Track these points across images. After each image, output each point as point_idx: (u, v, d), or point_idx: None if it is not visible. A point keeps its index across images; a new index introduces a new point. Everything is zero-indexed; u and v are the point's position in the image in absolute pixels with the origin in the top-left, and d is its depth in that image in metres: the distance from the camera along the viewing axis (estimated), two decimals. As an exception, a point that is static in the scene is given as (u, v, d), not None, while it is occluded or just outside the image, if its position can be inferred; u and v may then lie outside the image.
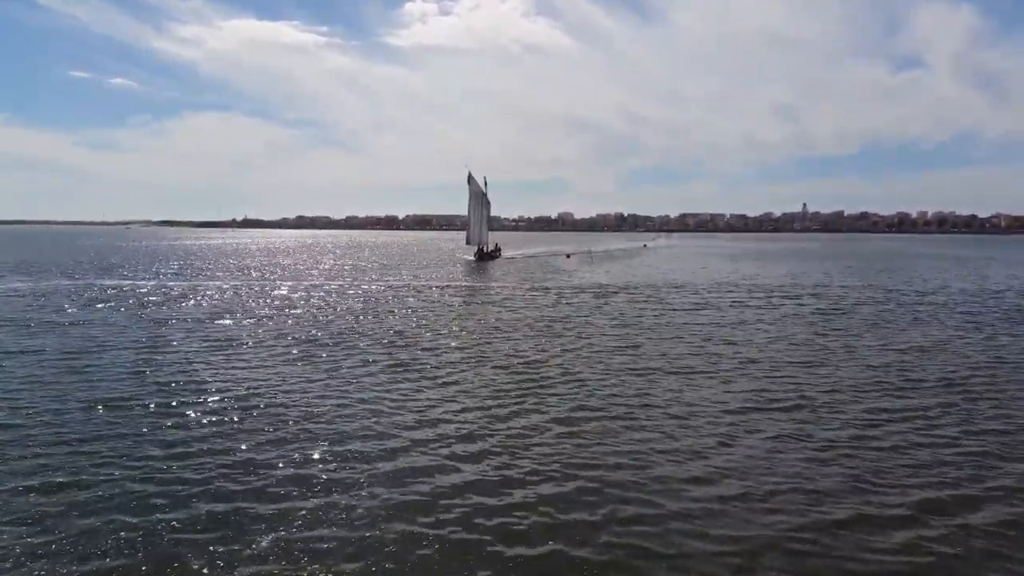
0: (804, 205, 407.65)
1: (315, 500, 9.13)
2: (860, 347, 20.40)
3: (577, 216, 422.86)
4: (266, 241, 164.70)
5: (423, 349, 19.77)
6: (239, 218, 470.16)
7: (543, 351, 19.52)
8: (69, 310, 27.66)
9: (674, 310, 29.34)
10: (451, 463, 10.51)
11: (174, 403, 13.64)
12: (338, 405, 13.61)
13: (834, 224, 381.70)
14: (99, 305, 29.55)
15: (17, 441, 11.22)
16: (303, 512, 8.76)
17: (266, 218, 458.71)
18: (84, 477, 9.76)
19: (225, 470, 10.11)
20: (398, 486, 9.61)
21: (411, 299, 33.53)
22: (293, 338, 21.34)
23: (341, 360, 18.03)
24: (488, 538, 8.16)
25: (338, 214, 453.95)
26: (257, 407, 13.41)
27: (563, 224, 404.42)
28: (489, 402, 13.96)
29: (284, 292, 36.86)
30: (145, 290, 36.89)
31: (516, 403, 13.88)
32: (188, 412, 13.00)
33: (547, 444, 11.38)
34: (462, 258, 73.75)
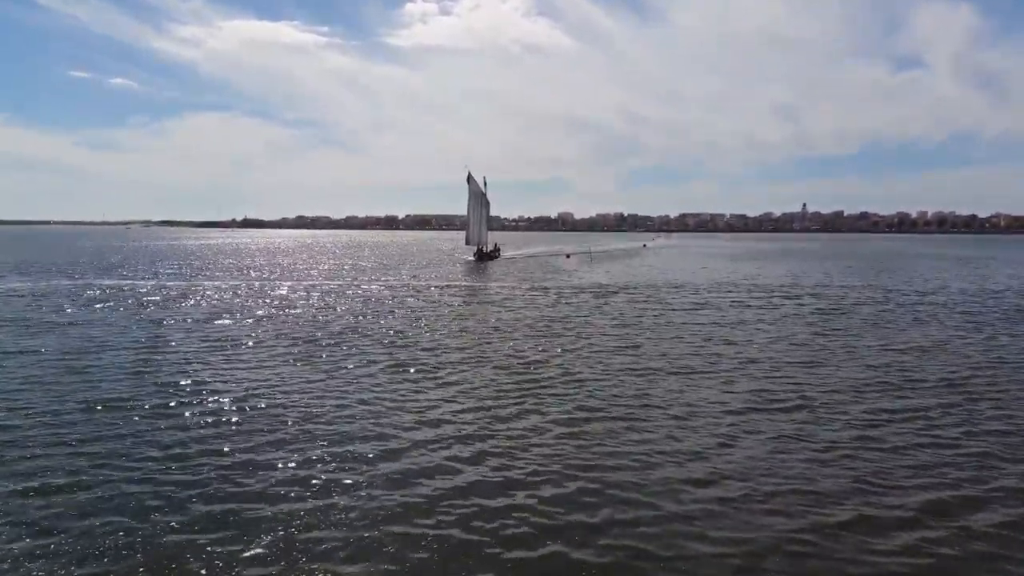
0: (804, 205, 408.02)
1: (314, 501, 9.10)
2: (860, 347, 20.38)
3: (577, 216, 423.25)
4: (266, 241, 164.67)
5: (422, 349, 19.74)
6: (239, 218, 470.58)
7: (543, 351, 19.49)
8: (68, 310, 27.63)
9: (674, 310, 29.32)
10: (451, 464, 10.48)
11: (173, 404, 13.62)
12: (337, 406, 13.59)
13: (834, 224, 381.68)
14: (98, 305, 29.52)
15: (16, 441, 11.20)
16: (302, 513, 8.73)
17: (266, 218, 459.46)
18: (83, 478, 9.74)
19: (224, 471, 10.09)
20: (397, 487, 9.58)
21: (410, 299, 33.50)
22: (292, 338, 21.32)
23: (340, 360, 18.01)
24: (488, 539, 8.14)
25: (338, 214, 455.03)
26: (256, 408, 13.38)
27: (563, 224, 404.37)
28: (489, 402, 13.94)
29: (283, 292, 36.84)
30: (144, 290, 36.86)
31: (516, 403, 13.85)
32: (187, 413, 12.97)
33: (547, 445, 11.35)
34: (461, 258, 73.76)
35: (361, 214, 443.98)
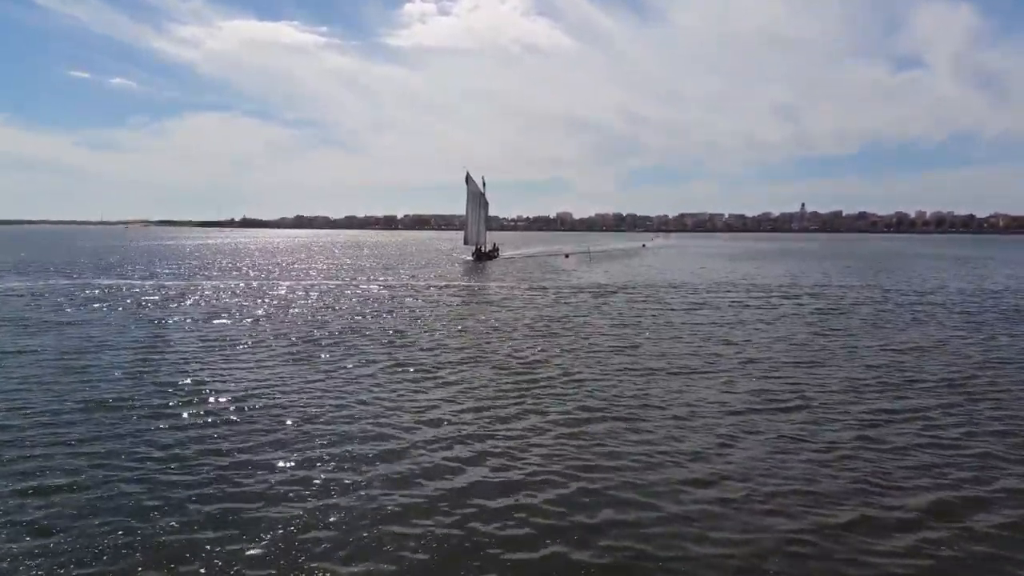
0: (803, 205, 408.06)
1: (314, 501, 9.08)
2: (859, 347, 20.38)
3: (576, 216, 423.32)
4: (265, 241, 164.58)
5: (421, 349, 19.72)
6: (238, 218, 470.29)
7: (542, 351, 19.48)
8: (67, 310, 27.59)
9: (673, 310, 29.31)
10: (450, 464, 10.46)
11: (172, 403, 13.58)
12: (336, 405, 13.56)
13: (833, 224, 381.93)
14: (97, 305, 29.47)
15: (15, 441, 11.16)
16: (302, 513, 8.71)
17: (266, 218, 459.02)
18: (82, 478, 9.71)
19: (223, 471, 10.06)
20: (397, 487, 9.56)
21: (409, 299, 33.48)
22: (291, 338, 21.29)
23: (340, 360, 17.99)
24: (487, 540, 8.12)
25: (337, 214, 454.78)
26: (256, 408, 13.36)
27: (562, 224, 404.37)
28: (488, 402, 13.92)
29: (282, 292, 36.80)
30: (143, 290, 36.81)
31: (515, 403, 13.84)
32: (186, 413, 12.94)
33: (546, 445, 11.33)
34: (460, 258, 73.73)
35: (360, 214, 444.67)
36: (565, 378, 16.06)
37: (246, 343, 20.38)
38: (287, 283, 42.68)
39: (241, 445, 11.17)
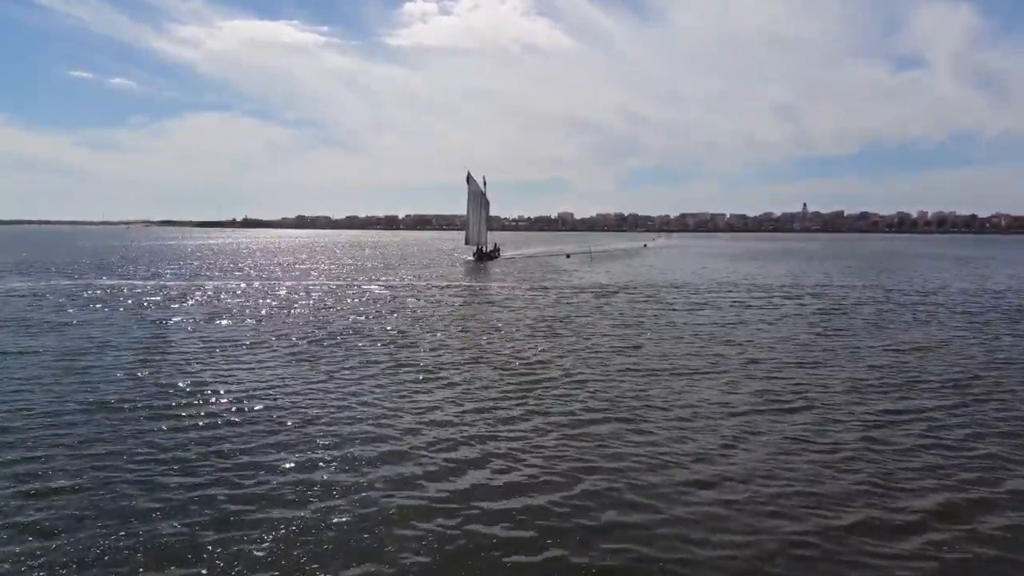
0: (804, 205, 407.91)
1: (315, 503, 9.04)
2: (862, 348, 20.32)
3: (577, 216, 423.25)
4: (266, 241, 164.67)
5: (423, 350, 19.69)
6: (239, 218, 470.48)
7: (543, 352, 19.44)
8: (68, 310, 27.58)
9: (675, 310, 29.27)
10: (452, 465, 10.42)
11: (174, 405, 13.55)
12: (338, 407, 13.53)
13: (834, 224, 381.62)
14: (98, 305, 29.47)
15: (16, 443, 11.13)
16: (303, 515, 8.67)
17: (266, 218, 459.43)
18: (83, 479, 9.68)
19: (225, 473, 10.03)
20: (398, 489, 9.52)
21: (411, 299, 33.45)
22: (293, 339, 21.26)
23: (341, 361, 17.96)
24: (489, 542, 8.07)
25: (338, 214, 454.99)
26: (257, 409, 13.32)
27: (563, 224, 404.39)
28: (489, 404, 13.88)
29: (284, 292, 36.79)
30: (144, 290, 36.80)
31: (517, 404, 13.80)
32: (188, 414, 12.91)
33: (548, 446, 11.29)
34: (461, 258, 73.71)
35: (361, 214, 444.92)
36: (567, 379, 16.02)
37: (248, 344, 20.35)
38: (289, 283, 42.67)
39: (243, 446, 11.14)
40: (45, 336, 21.21)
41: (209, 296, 34.20)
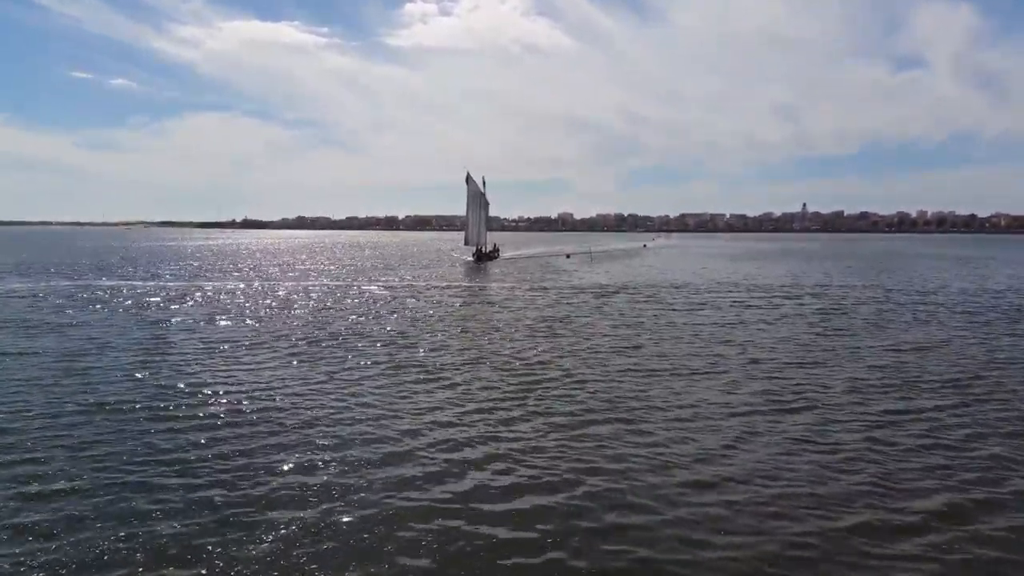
0: (804, 205, 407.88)
1: (315, 505, 9.02)
2: (863, 348, 20.30)
3: (577, 216, 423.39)
4: (266, 242, 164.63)
5: (423, 351, 19.67)
6: (239, 219, 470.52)
7: (543, 352, 19.41)
8: (68, 311, 27.55)
9: (675, 310, 29.24)
10: (452, 467, 10.40)
11: (174, 406, 13.53)
12: (338, 408, 13.51)
13: (834, 224, 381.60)
14: (98, 306, 29.44)
15: (15, 444, 11.11)
16: (304, 517, 8.65)
17: (266, 218, 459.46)
18: (83, 481, 9.65)
19: (225, 474, 10.01)
20: (399, 490, 9.50)
21: (411, 300, 33.43)
22: (293, 340, 21.24)
23: (341, 362, 17.93)
24: (488, 544, 8.05)
25: (338, 214, 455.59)
26: (257, 410, 13.30)
27: (563, 224, 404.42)
28: (490, 404, 13.86)
29: (284, 293, 36.77)
30: (144, 291, 36.78)
31: (517, 405, 13.77)
32: (188, 415, 12.88)
33: (548, 447, 11.27)
34: (461, 259, 73.67)
35: (361, 214, 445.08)
36: (567, 379, 15.99)
37: (247, 345, 20.32)
38: (289, 284, 42.64)
39: (242, 448, 11.12)
40: (45, 337, 21.19)
41: (209, 297, 34.18)
